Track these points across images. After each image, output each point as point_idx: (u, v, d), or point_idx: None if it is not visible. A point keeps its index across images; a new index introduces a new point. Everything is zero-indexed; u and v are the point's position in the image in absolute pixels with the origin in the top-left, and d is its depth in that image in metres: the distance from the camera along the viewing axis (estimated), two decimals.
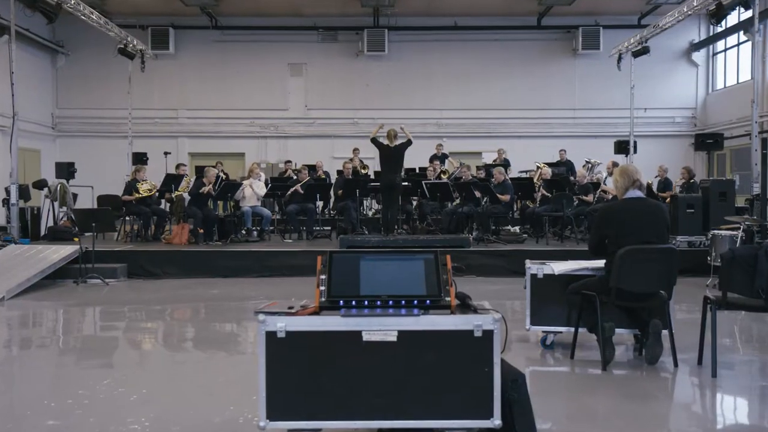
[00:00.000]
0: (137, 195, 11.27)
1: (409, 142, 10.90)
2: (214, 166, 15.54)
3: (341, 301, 3.03)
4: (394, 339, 2.94)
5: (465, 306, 3.18)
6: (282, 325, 2.94)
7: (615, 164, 11.79)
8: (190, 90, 19.36)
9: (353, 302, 3.03)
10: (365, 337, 2.94)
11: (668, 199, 11.89)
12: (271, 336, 2.95)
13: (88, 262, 9.34)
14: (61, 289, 8.90)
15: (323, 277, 3.12)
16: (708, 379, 4.37)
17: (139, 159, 15.87)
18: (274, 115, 19.51)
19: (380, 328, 2.94)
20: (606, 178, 13.97)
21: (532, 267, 5.10)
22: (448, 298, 3.06)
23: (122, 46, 15.28)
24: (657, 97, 19.27)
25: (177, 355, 5.46)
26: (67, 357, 5.51)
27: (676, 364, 4.61)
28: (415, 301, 3.03)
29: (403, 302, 3.03)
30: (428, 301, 3.04)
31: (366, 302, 3.03)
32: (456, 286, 3.18)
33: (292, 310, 3.00)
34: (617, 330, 4.64)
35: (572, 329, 4.91)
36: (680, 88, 19.70)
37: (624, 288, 4.44)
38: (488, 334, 2.94)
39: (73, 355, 5.56)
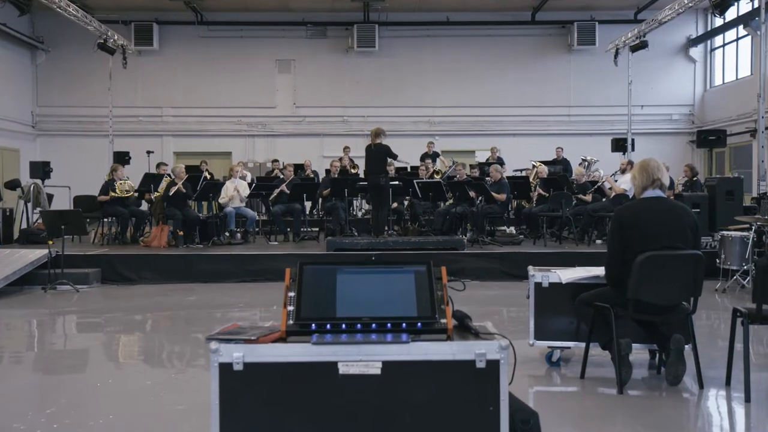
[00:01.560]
0: (113, 194, 10.67)
1: (393, 155, 10.33)
2: (198, 165, 15.14)
3: (313, 325, 2.49)
4: (378, 372, 2.40)
5: (464, 329, 2.64)
6: (239, 355, 2.39)
7: (631, 163, 11.26)
8: (174, 87, 18.74)
9: (328, 326, 2.48)
10: (342, 369, 2.40)
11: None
12: (225, 369, 2.40)
13: (59, 267, 8.75)
14: (27, 296, 8.31)
15: (291, 294, 2.57)
16: (741, 403, 3.84)
17: (121, 158, 15.30)
18: (261, 113, 18.90)
19: (361, 358, 2.40)
20: (604, 176, 13.47)
21: (536, 275, 4.55)
22: (443, 320, 2.51)
23: (102, 41, 14.68)
24: (654, 93, 18.78)
25: (137, 377, 4.80)
26: (9, 378, 4.85)
27: (701, 385, 4.08)
28: (404, 325, 2.49)
29: (389, 326, 2.48)
30: (420, 324, 2.50)
31: (343, 326, 2.48)
32: (453, 304, 2.64)
33: (253, 337, 2.45)
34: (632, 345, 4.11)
35: (582, 344, 4.37)
36: (677, 84, 19.23)
37: (643, 299, 3.91)
38: (493, 365, 2.41)
39: (17, 376, 4.94)
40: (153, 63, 18.64)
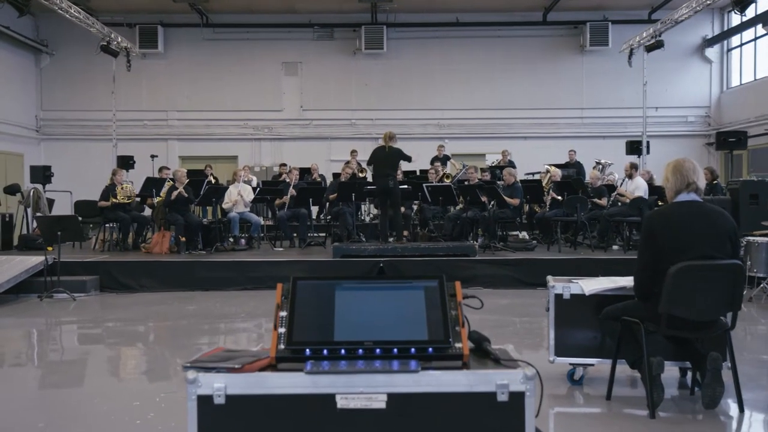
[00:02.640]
0: (113, 200, 10.38)
1: (407, 158, 9.98)
2: (203, 170, 14.85)
3: (307, 350, 2.14)
4: (383, 406, 2.05)
5: (482, 354, 2.29)
6: (221, 386, 2.05)
7: (633, 166, 10.87)
8: (180, 90, 18.47)
9: (324, 351, 2.13)
10: (340, 403, 2.05)
11: None
12: (205, 402, 2.06)
13: (57, 275, 8.44)
14: (22, 305, 8.01)
15: (283, 314, 2.23)
16: None
17: (125, 162, 15.05)
18: (268, 116, 18.60)
19: (362, 389, 2.05)
20: (620, 180, 13.09)
21: (556, 286, 4.19)
22: (459, 345, 2.16)
23: (105, 43, 14.42)
24: (669, 95, 18.38)
25: (123, 397, 4.45)
26: None
27: (741, 409, 3.70)
28: (413, 350, 2.14)
29: (396, 351, 2.13)
30: (431, 350, 2.14)
31: (342, 351, 2.13)
32: (469, 324, 2.29)
33: (237, 365, 2.10)
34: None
35: (607, 362, 4.01)
36: (693, 85, 18.79)
37: (677, 314, 3.54)
38: (517, 399, 2.06)
39: None
40: (158, 66, 18.38)
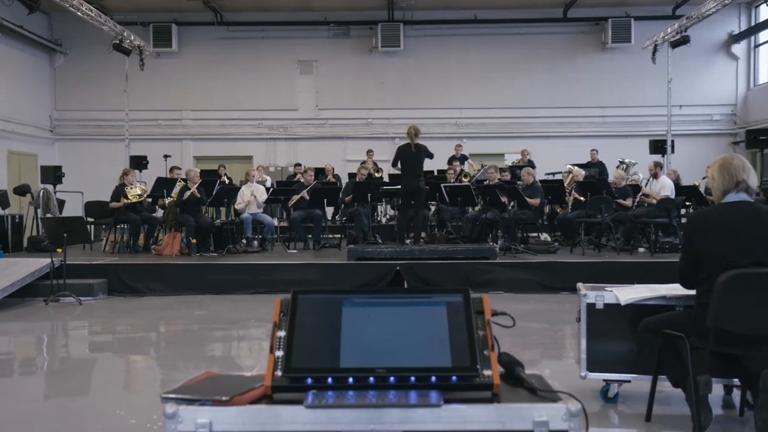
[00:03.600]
0: (125, 201, 10.13)
1: (431, 155, 9.65)
2: (216, 170, 14.62)
3: (309, 379, 1.81)
4: None
5: (515, 382, 1.95)
6: (205, 421, 1.73)
7: (658, 164, 10.45)
8: (194, 90, 18.25)
9: (329, 380, 1.80)
10: None
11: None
12: None
13: (63, 278, 8.18)
14: (27, 309, 7.75)
15: (281, 334, 1.90)
16: None
17: (138, 163, 14.84)
18: (283, 115, 18.34)
19: (374, 427, 1.72)
20: (644, 180, 12.68)
21: (588, 294, 3.82)
22: (488, 372, 1.82)
23: (117, 42, 14.21)
24: (693, 93, 17.87)
25: (110, 416, 4.12)
26: None
27: None
28: (434, 378, 1.80)
29: (413, 380, 1.80)
30: (455, 378, 1.80)
31: (350, 380, 1.80)
32: (498, 346, 1.95)
33: (224, 397, 1.78)
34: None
35: (646, 378, 3.64)
36: (718, 83, 18.27)
37: (727, 328, 3.17)
38: None
39: None
40: (172, 65, 18.19)
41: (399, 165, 9.62)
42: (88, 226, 11.11)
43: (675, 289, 3.63)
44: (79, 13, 13.11)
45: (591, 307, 3.80)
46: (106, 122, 17.70)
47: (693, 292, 3.41)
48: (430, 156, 9.65)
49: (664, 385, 3.65)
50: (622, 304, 3.72)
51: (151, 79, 17.41)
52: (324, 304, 1.94)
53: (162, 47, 17.73)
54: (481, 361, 1.83)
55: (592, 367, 3.82)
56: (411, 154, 9.44)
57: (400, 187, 10.05)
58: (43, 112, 18.02)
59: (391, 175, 13.98)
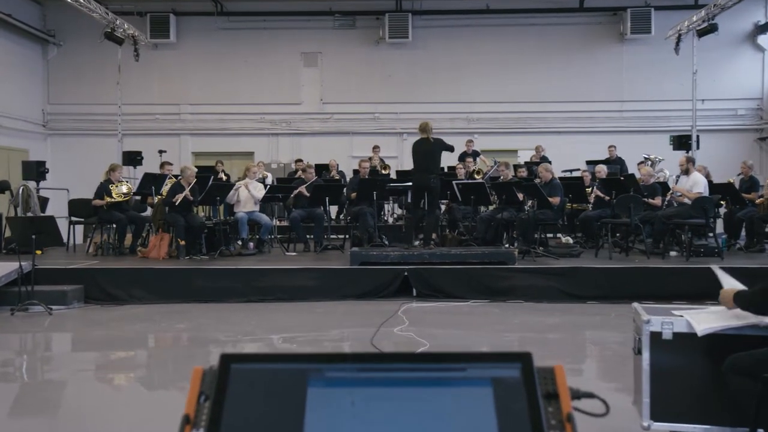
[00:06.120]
0: (109, 199, 9.32)
1: (450, 148, 8.89)
2: (214, 165, 13.79)
3: None
4: None
5: None
6: None
7: (690, 159, 9.55)
8: (193, 83, 17.43)
9: None
10: None
11: (759, 201, 9.77)
12: None
13: (36, 283, 7.37)
14: None
15: None
16: None
17: (132, 158, 14.09)
18: (285, 109, 17.48)
19: None
20: (671, 177, 11.81)
21: (653, 320, 2.95)
22: None
23: (109, 30, 13.43)
24: (716, 86, 16.92)
25: None
26: None
27: None
28: None
29: None
30: None
31: None
32: None
33: None
34: None
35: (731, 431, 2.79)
36: (743, 76, 17.31)
37: None
38: None
39: None
40: (170, 57, 17.38)
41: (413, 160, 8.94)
42: (73, 226, 10.37)
43: None
44: (70, 1, 12.30)
45: (656, 336, 2.94)
46: (102, 116, 16.88)
47: None
48: (450, 149, 8.97)
49: None
50: (699, 334, 2.85)
51: (148, 71, 16.67)
52: (276, 381, 1.09)
53: (159, 38, 16.91)
54: None
55: (658, 414, 2.96)
56: (422, 149, 8.68)
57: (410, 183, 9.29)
58: (36, 106, 17.24)
59: (399, 172, 13.16)
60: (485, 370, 1.08)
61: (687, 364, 2.93)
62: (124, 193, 9.56)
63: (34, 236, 6.97)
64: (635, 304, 3.22)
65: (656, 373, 2.96)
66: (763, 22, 17.06)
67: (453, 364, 1.09)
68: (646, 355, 2.97)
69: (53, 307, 7.16)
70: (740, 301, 2.76)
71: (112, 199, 9.39)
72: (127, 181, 9.80)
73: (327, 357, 1.09)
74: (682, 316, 2.97)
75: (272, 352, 1.20)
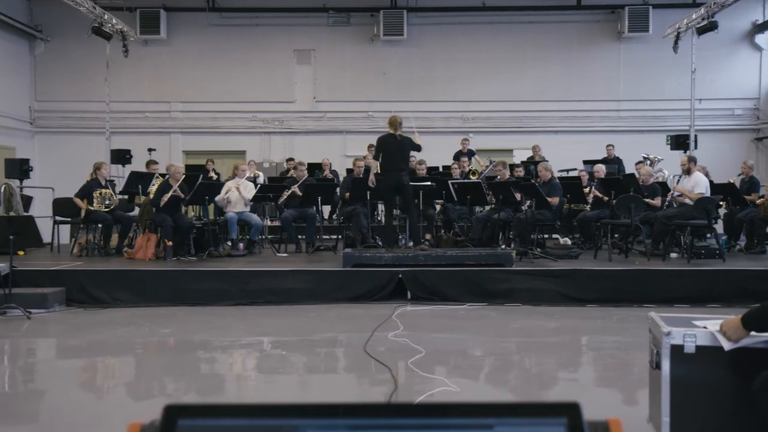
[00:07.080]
0: (88, 206, 9.02)
1: (417, 147, 8.59)
2: (204, 164, 13.49)
3: None
4: None
5: None
6: None
7: (692, 159, 9.32)
8: (184, 80, 17.12)
9: None
10: None
11: (760, 202, 9.55)
12: None
13: (15, 285, 7.08)
14: None
15: None
16: None
17: (121, 157, 13.80)
18: (278, 108, 17.20)
19: None
20: (670, 177, 11.60)
21: (674, 332, 2.70)
22: None
23: (97, 25, 13.12)
24: (714, 86, 16.74)
25: None
26: None
27: None
28: None
29: None
30: None
31: None
32: None
33: None
34: None
35: None
36: (741, 75, 17.14)
37: None
38: None
39: None
40: (160, 53, 17.06)
41: (381, 158, 8.54)
42: (58, 226, 10.08)
43: None
44: None
45: (677, 350, 2.68)
46: (90, 114, 16.53)
47: None
48: (417, 149, 8.62)
49: None
50: (726, 349, 2.60)
51: (138, 68, 16.37)
52: None
53: (150, 34, 16.59)
54: None
55: None
56: (394, 146, 8.35)
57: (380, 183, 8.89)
58: (22, 103, 16.90)
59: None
60: (520, 427, 0.82)
61: (711, 380, 2.68)
62: (105, 205, 9.24)
63: (11, 237, 6.67)
64: (652, 314, 2.97)
65: (677, 389, 2.71)
66: (761, 21, 16.88)
67: (476, 419, 0.83)
68: (666, 369, 2.71)
69: (32, 310, 6.86)
70: (754, 322, 2.51)
71: (90, 208, 9.08)
72: (112, 195, 9.43)
73: (309, 410, 0.82)
74: (705, 327, 2.72)
75: (234, 403, 1.00)
